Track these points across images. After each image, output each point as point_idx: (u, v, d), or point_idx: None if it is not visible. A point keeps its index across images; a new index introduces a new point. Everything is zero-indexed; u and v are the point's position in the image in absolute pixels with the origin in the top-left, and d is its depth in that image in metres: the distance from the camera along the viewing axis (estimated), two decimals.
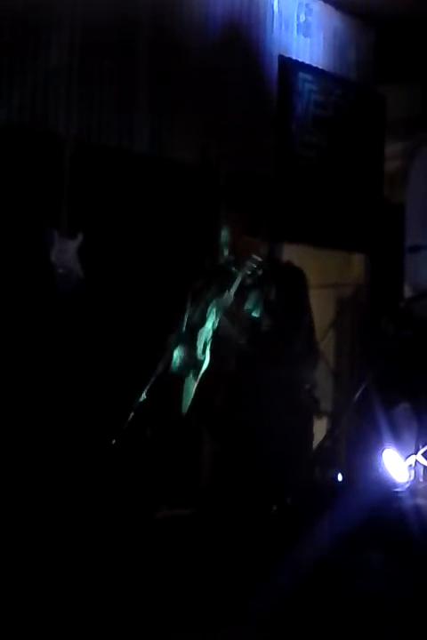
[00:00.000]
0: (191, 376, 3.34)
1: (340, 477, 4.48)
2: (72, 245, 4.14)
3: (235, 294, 3.26)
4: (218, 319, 3.23)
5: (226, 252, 3.36)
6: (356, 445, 4.89)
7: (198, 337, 3.38)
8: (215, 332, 3.23)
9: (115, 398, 3.73)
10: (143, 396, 3.31)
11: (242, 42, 4.88)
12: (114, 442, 3.20)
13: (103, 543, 3.50)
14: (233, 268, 3.31)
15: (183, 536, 3.45)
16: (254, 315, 3.28)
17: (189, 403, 3.29)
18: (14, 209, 3.99)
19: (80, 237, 4.16)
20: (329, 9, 5.31)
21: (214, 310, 3.30)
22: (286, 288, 3.29)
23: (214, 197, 4.58)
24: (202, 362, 3.28)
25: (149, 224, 4.43)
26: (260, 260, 3.26)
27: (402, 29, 5.19)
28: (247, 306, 3.31)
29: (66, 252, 4.10)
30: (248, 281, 3.31)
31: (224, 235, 3.38)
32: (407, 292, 5.45)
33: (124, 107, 4.39)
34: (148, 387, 3.32)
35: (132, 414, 3.29)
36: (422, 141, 5.59)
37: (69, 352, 4.09)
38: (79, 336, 4.13)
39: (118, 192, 4.30)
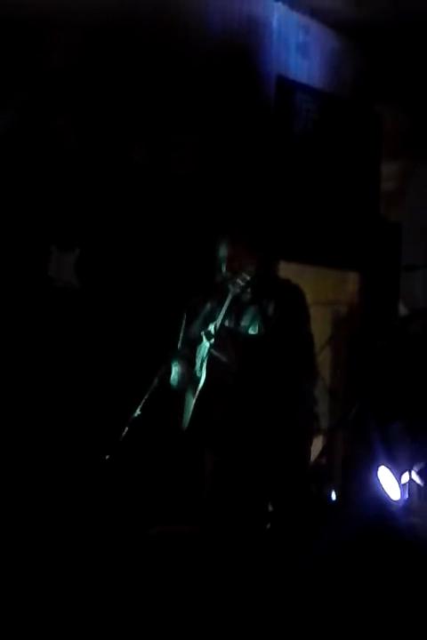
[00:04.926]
0: (190, 392, 3.35)
1: (333, 495, 4.47)
2: (69, 258, 4.15)
3: (231, 311, 3.26)
4: (211, 337, 3.24)
5: (224, 268, 3.37)
6: (351, 463, 4.88)
7: (197, 353, 3.39)
8: (210, 350, 3.23)
9: (111, 412, 3.73)
10: (138, 411, 3.33)
11: (240, 62, 4.91)
12: (107, 457, 3.21)
13: (96, 558, 3.50)
14: (229, 285, 3.32)
15: (177, 553, 3.44)
16: (251, 331, 3.29)
17: (188, 418, 3.30)
18: (12, 221, 4.00)
19: (77, 251, 4.17)
20: (327, 30, 5.35)
21: (208, 328, 3.31)
22: (283, 305, 3.30)
23: (213, 212, 4.60)
24: (199, 378, 3.29)
25: (147, 237, 4.44)
26: (251, 276, 3.26)
27: (398, 49, 5.23)
28: (244, 322, 3.31)
29: (63, 265, 4.11)
30: (245, 297, 3.31)
31: (222, 250, 3.39)
32: (403, 310, 5.46)
33: (124, 120, 4.41)
34: (143, 402, 3.33)
35: (126, 429, 3.30)
36: (419, 160, 5.63)
37: (65, 366, 4.09)
38: (75, 350, 4.13)
39: (116, 204, 4.31)
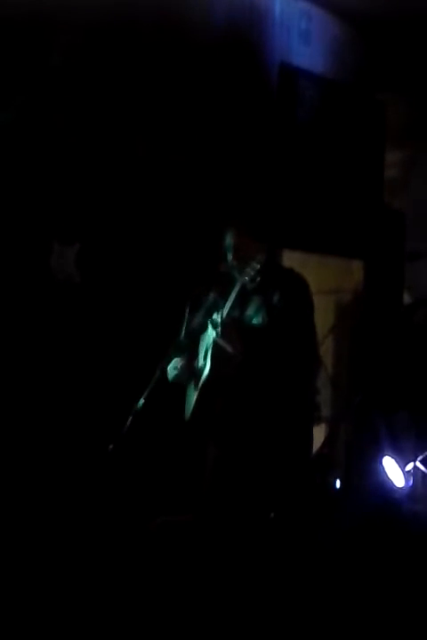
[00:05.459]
0: (192, 384, 3.35)
1: (338, 484, 4.48)
2: (71, 252, 4.16)
3: (236, 300, 3.26)
4: (217, 326, 3.23)
5: (229, 257, 3.36)
6: (355, 452, 4.89)
7: (199, 344, 3.39)
8: (215, 339, 3.23)
9: (113, 404, 3.74)
10: (141, 402, 3.33)
11: (243, 49, 4.89)
12: (111, 448, 3.22)
13: (99, 550, 3.51)
14: (235, 274, 3.31)
15: (180, 543, 3.45)
16: (255, 321, 3.29)
17: (190, 410, 3.30)
18: (14, 216, 4.01)
19: (78, 245, 4.18)
20: (329, 17, 5.32)
21: (214, 317, 3.31)
22: (288, 295, 3.29)
23: (215, 202, 4.59)
24: (203, 369, 3.29)
25: (149, 230, 4.44)
26: (259, 266, 3.25)
27: (400, 38, 5.21)
28: (248, 312, 3.31)
29: (64, 258, 4.12)
30: (249, 287, 3.30)
31: (228, 239, 3.39)
32: (407, 299, 5.45)
33: (125, 111, 4.41)
34: (146, 393, 3.34)
35: (130, 420, 3.30)
36: (423, 148, 5.60)
37: (68, 358, 4.10)
38: (78, 342, 4.14)
39: (118, 196, 4.31)
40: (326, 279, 5.17)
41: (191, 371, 3.36)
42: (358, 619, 3.17)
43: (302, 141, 5.10)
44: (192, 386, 3.34)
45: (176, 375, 3.39)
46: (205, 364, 3.26)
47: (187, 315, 3.44)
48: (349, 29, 5.41)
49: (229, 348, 3.17)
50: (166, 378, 3.40)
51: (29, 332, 3.98)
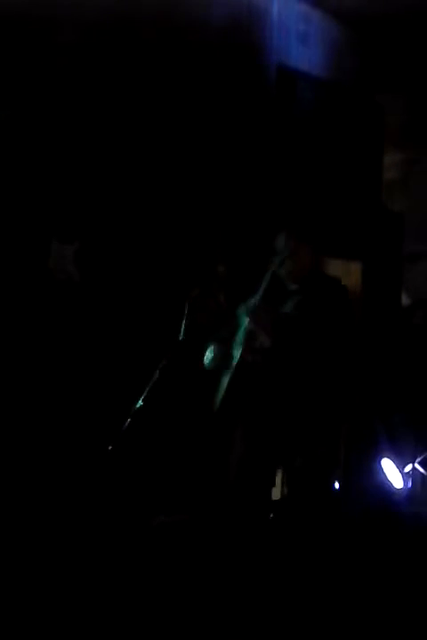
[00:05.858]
0: (224, 372, 3.41)
1: (337, 485, 4.48)
2: (70, 251, 4.16)
3: (271, 295, 3.35)
4: (248, 319, 3.32)
5: (279, 260, 3.43)
6: (353, 453, 4.88)
7: (236, 335, 3.45)
8: (246, 331, 3.30)
9: (112, 403, 3.75)
10: (140, 402, 3.34)
11: (241, 51, 4.90)
12: (110, 448, 3.23)
13: (99, 549, 3.51)
14: (282, 277, 3.38)
15: (179, 543, 3.46)
16: (288, 316, 3.36)
17: (221, 397, 3.36)
18: (13, 214, 4.01)
19: (77, 243, 4.18)
20: (328, 19, 5.33)
21: (246, 309, 3.39)
22: (330, 300, 3.38)
23: (212, 205, 4.60)
24: (234, 358, 3.33)
25: (148, 229, 4.44)
26: (305, 272, 3.34)
27: (399, 40, 5.21)
28: (287, 307, 3.39)
29: (64, 257, 4.13)
30: (293, 286, 3.40)
31: (280, 242, 3.47)
32: (405, 300, 5.46)
33: (124, 112, 4.41)
34: (145, 393, 3.35)
35: (128, 421, 3.31)
36: (421, 150, 5.61)
37: (67, 356, 4.10)
38: (77, 340, 4.14)
39: (117, 197, 4.32)
40: None
41: (224, 360, 3.43)
42: (357, 619, 3.17)
43: (301, 143, 5.11)
44: (225, 375, 3.40)
45: (210, 364, 3.46)
46: (236, 355, 3.33)
47: (186, 314, 3.47)
48: (347, 31, 5.41)
49: (259, 334, 3.26)
50: (165, 378, 3.41)
51: (29, 330, 3.98)
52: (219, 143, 4.77)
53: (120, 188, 4.33)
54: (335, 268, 5.39)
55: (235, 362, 3.35)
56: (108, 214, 4.28)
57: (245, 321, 3.36)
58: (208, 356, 3.48)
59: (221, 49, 4.78)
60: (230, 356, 3.42)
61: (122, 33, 4.33)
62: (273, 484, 3.51)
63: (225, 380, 3.40)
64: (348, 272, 5.53)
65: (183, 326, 3.50)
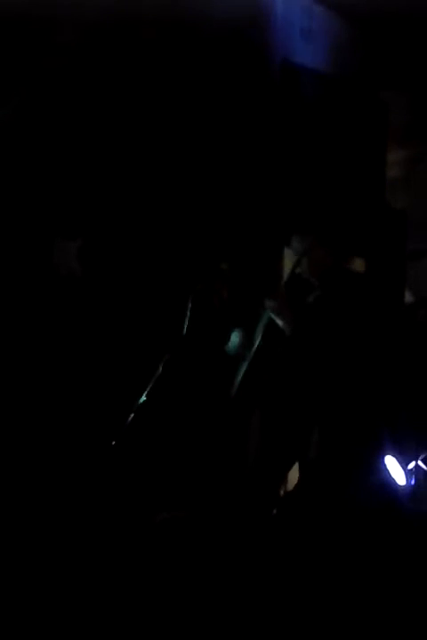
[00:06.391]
0: (242, 360, 3.43)
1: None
2: (73, 247, 4.16)
3: (294, 287, 3.38)
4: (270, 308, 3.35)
5: (296, 262, 3.47)
6: (356, 451, 4.87)
7: (259, 324, 3.47)
8: (268, 319, 3.32)
9: (115, 400, 3.74)
10: (143, 398, 3.35)
11: (245, 47, 4.89)
12: (114, 443, 3.23)
13: (103, 545, 3.50)
14: (305, 277, 3.43)
15: (182, 539, 3.45)
16: (310, 307, 3.39)
17: (239, 381, 3.39)
18: (17, 211, 4.01)
19: (80, 240, 4.18)
20: (332, 14, 5.32)
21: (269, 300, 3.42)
22: (349, 294, 3.42)
23: (215, 201, 4.60)
24: (254, 345, 3.36)
25: (151, 225, 4.44)
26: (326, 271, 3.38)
27: (403, 36, 5.21)
28: (308, 300, 3.42)
29: (67, 253, 4.13)
30: (314, 281, 3.42)
31: (296, 243, 3.50)
32: (408, 298, 5.45)
33: (127, 109, 4.41)
34: (148, 388, 3.35)
35: (131, 417, 3.31)
36: (425, 147, 5.60)
37: (70, 352, 4.10)
38: (80, 337, 4.15)
39: (120, 193, 4.32)
40: None
41: (246, 347, 3.47)
42: (360, 616, 3.17)
43: (304, 139, 5.10)
44: (244, 361, 3.44)
45: (234, 350, 3.51)
46: (256, 342, 3.37)
47: (189, 310, 3.48)
48: (351, 27, 5.41)
49: (280, 321, 3.32)
50: (168, 373, 3.42)
51: (32, 327, 3.99)
52: (222, 140, 4.76)
53: (123, 185, 4.33)
54: (360, 265, 5.40)
55: (254, 349, 3.40)
56: (111, 211, 4.28)
57: (268, 310, 3.40)
58: (233, 340, 3.54)
59: (224, 46, 4.77)
60: (251, 344, 3.47)
61: (123, 30, 4.33)
62: (284, 478, 3.53)
63: (243, 368, 3.45)
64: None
65: (186, 322, 3.50)
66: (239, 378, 3.49)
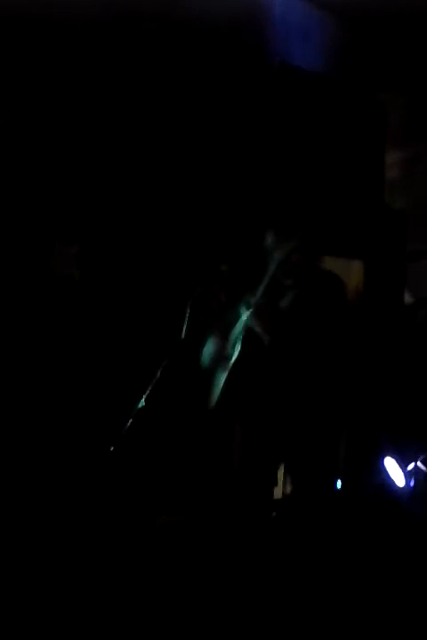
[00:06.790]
0: (221, 369, 3.41)
1: (339, 484, 4.48)
2: (72, 251, 4.17)
3: (270, 293, 3.33)
4: (248, 314, 3.31)
5: (272, 259, 3.43)
6: (356, 452, 4.88)
7: (234, 329, 3.44)
8: (246, 327, 3.30)
9: (114, 404, 3.74)
10: (142, 402, 3.34)
11: (242, 47, 4.89)
12: (112, 448, 3.23)
13: (102, 549, 3.51)
14: (275, 272, 3.38)
15: (181, 543, 3.46)
16: (287, 309, 3.35)
17: (218, 395, 3.35)
18: (15, 216, 4.02)
19: (79, 243, 4.19)
20: (330, 15, 5.32)
21: (246, 306, 3.38)
22: (323, 292, 3.37)
23: (215, 202, 4.60)
24: (232, 355, 3.33)
25: (150, 229, 4.44)
26: (297, 266, 3.33)
27: (401, 37, 5.20)
28: (282, 304, 3.38)
29: (66, 257, 4.13)
30: (287, 283, 3.39)
31: (270, 240, 3.46)
32: (408, 298, 5.45)
33: (125, 110, 4.41)
34: (147, 393, 3.34)
35: (130, 421, 3.31)
36: (424, 148, 5.60)
37: (68, 357, 4.10)
38: (78, 341, 4.15)
39: (118, 197, 4.32)
40: None
41: (222, 357, 3.42)
42: (359, 617, 3.17)
43: (302, 141, 5.10)
44: (221, 372, 3.40)
45: (207, 362, 3.46)
46: (233, 352, 3.32)
47: (188, 314, 3.46)
48: (349, 28, 5.40)
49: (259, 329, 3.26)
50: (167, 378, 3.41)
51: (30, 332, 3.99)
52: (220, 141, 4.76)
53: (121, 186, 4.33)
54: (336, 266, 5.38)
55: (233, 359, 3.35)
56: (109, 215, 4.28)
57: (244, 318, 3.36)
58: (206, 352, 3.47)
59: (222, 46, 4.77)
60: (228, 354, 3.43)
61: (121, 29, 4.32)
62: (275, 482, 3.52)
63: (222, 378, 3.40)
64: (349, 270, 5.52)
65: (185, 326, 3.50)
66: (218, 389, 3.41)
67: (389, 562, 3.61)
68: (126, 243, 4.34)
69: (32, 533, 3.52)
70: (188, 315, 3.45)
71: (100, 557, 3.38)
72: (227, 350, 3.43)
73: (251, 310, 3.30)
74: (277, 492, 3.70)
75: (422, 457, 4.50)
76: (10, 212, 4.00)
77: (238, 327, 3.41)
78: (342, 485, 4.48)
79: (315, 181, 5.14)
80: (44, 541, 3.47)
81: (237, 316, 3.45)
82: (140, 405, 3.27)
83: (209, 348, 3.46)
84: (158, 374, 3.32)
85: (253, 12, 4.95)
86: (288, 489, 3.68)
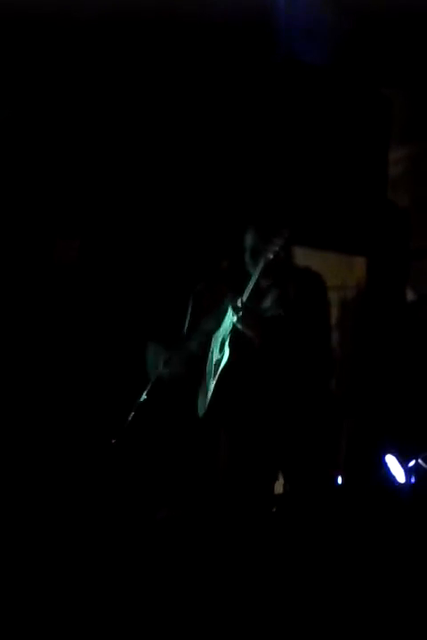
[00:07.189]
0: (209, 375, 3.39)
1: (340, 480, 4.49)
2: (74, 245, 4.17)
3: (251, 294, 3.30)
4: (239, 311, 3.29)
5: (248, 255, 3.41)
6: (357, 448, 4.89)
7: (215, 337, 3.43)
8: (231, 331, 3.28)
9: (115, 399, 3.75)
10: (144, 396, 3.35)
11: (247, 43, 4.88)
12: (114, 442, 3.24)
13: (103, 543, 3.52)
14: (252, 271, 3.36)
15: (182, 536, 3.47)
16: (270, 313, 3.33)
17: (207, 401, 3.34)
18: (17, 210, 4.02)
19: (81, 238, 4.19)
20: (335, 12, 5.30)
21: (229, 309, 3.36)
22: (304, 291, 3.35)
23: (216, 200, 4.60)
24: (220, 360, 3.32)
25: (152, 225, 4.44)
26: (274, 263, 3.31)
27: (406, 33, 5.18)
28: (264, 305, 3.36)
29: (68, 252, 4.14)
30: (265, 283, 3.36)
31: (249, 237, 3.43)
32: (410, 295, 5.44)
33: (127, 107, 4.41)
34: (148, 387, 3.35)
35: (132, 414, 3.32)
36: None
37: (70, 352, 4.11)
38: (80, 335, 4.15)
39: (120, 193, 4.32)
40: (329, 275, 5.16)
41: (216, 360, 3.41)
42: (359, 614, 3.18)
43: (306, 137, 5.09)
44: (210, 376, 3.38)
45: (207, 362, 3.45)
46: (221, 356, 3.31)
47: (189, 310, 3.47)
48: (354, 24, 5.38)
49: (247, 333, 3.23)
50: (168, 373, 3.41)
51: (32, 325, 4.00)
52: (223, 137, 4.76)
53: (123, 183, 4.33)
54: (339, 262, 5.38)
55: (222, 365, 3.31)
56: (111, 209, 4.29)
57: (230, 323, 3.32)
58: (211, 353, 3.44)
59: (226, 41, 4.76)
60: (212, 359, 3.39)
61: (123, 26, 4.32)
62: (275, 479, 3.52)
63: (210, 384, 3.37)
64: (352, 266, 5.52)
65: (187, 321, 3.50)
66: (207, 397, 3.36)
67: (389, 558, 3.61)
68: (128, 236, 4.35)
69: (34, 526, 3.53)
70: (190, 310, 3.46)
71: (102, 550, 3.39)
72: (212, 357, 3.41)
73: (238, 315, 3.25)
74: (277, 489, 3.70)
75: (423, 454, 4.51)
76: (13, 207, 4.01)
77: (224, 332, 3.37)
78: (342, 482, 4.49)
79: (318, 177, 5.13)
80: (46, 534, 3.48)
81: (224, 321, 3.42)
82: (141, 399, 3.29)
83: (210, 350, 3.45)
84: (160, 369, 3.33)
85: (257, 7, 4.94)
86: (288, 485, 3.68)
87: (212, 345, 3.43)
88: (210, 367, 3.40)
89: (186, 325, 3.45)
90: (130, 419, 3.32)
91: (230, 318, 3.31)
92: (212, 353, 3.42)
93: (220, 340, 3.39)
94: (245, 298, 3.27)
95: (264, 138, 4.92)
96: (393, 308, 5.24)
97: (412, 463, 4.49)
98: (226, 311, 3.39)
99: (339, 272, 5.41)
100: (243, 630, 3.01)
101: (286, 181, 4.98)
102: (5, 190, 3.96)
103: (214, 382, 3.31)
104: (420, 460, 4.50)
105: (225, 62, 4.76)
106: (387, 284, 5.41)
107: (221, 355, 3.34)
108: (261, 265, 3.28)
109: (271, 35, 5.00)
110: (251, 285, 3.28)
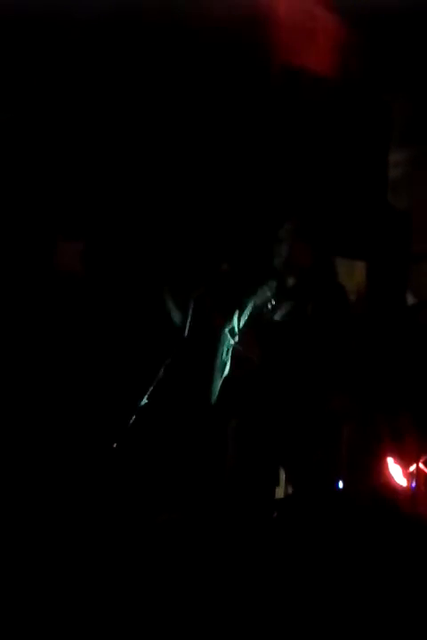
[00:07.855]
0: (218, 373, 3.41)
1: (340, 485, 4.47)
2: (76, 248, 4.17)
3: (265, 303, 3.30)
4: (234, 335, 3.28)
5: (279, 260, 3.41)
6: (357, 453, 4.88)
7: (220, 344, 3.44)
8: (232, 345, 3.27)
9: (117, 401, 3.75)
10: (145, 400, 3.35)
11: (246, 48, 4.89)
12: (115, 445, 3.23)
13: (104, 546, 3.51)
14: (284, 280, 3.35)
15: (185, 538, 3.46)
16: (284, 320, 3.33)
17: (215, 396, 3.35)
18: (19, 212, 4.02)
19: (83, 240, 4.19)
20: (334, 16, 5.31)
21: (237, 316, 3.36)
22: (326, 304, 3.34)
23: (217, 203, 4.60)
24: (225, 363, 3.32)
25: (154, 229, 4.44)
26: (305, 274, 3.31)
27: (405, 36, 5.20)
28: (280, 313, 3.36)
29: (70, 254, 4.14)
30: (290, 281, 3.36)
31: (280, 247, 3.43)
32: (410, 299, 5.44)
33: (128, 110, 4.41)
34: (150, 391, 3.35)
35: (133, 418, 3.31)
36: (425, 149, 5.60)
37: (72, 354, 4.10)
38: (82, 338, 4.15)
39: (122, 195, 4.33)
40: None
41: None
42: (360, 618, 3.17)
43: (306, 141, 5.10)
44: (218, 375, 3.39)
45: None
46: (226, 360, 3.31)
47: (190, 314, 3.47)
48: (353, 29, 5.40)
49: (245, 353, 3.23)
50: (170, 375, 3.41)
51: (34, 328, 3.99)
52: (223, 140, 4.76)
53: (125, 186, 4.33)
54: (340, 266, 5.37)
55: (225, 371, 3.32)
56: (113, 213, 4.28)
57: (231, 341, 3.31)
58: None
59: (226, 46, 4.76)
60: (220, 359, 3.41)
61: (124, 29, 4.33)
62: (277, 484, 3.52)
63: (218, 382, 3.38)
64: (352, 270, 5.52)
65: (188, 324, 3.50)
66: (216, 394, 3.39)
67: (389, 563, 3.61)
68: (131, 240, 4.34)
69: (36, 529, 3.52)
70: (191, 313, 3.45)
71: (103, 552, 3.38)
72: (218, 361, 3.44)
73: (235, 337, 3.25)
74: (279, 493, 3.70)
75: (424, 458, 4.50)
76: (15, 209, 4.00)
77: (225, 348, 3.38)
78: (343, 486, 4.48)
79: (319, 181, 5.14)
80: (46, 536, 3.47)
81: (225, 337, 3.43)
82: (143, 403, 3.28)
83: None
84: (162, 372, 3.33)
85: (258, 13, 4.95)
86: (290, 489, 3.68)
87: (223, 340, 3.44)
88: (221, 361, 3.42)
89: (186, 327, 3.45)
90: (131, 422, 3.32)
91: (228, 341, 3.31)
92: (222, 348, 3.44)
93: (224, 348, 3.40)
94: (242, 322, 3.27)
95: (265, 142, 4.93)
96: (393, 313, 5.24)
97: (413, 467, 4.49)
98: (261, 289, 3.38)
99: (339, 276, 5.40)
100: (244, 632, 3.00)
101: (287, 184, 4.99)
102: (7, 193, 3.96)
103: (221, 379, 3.35)
104: (421, 464, 4.49)
105: (227, 67, 4.76)
106: (387, 288, 5.41)
107: (226, 359, 3.34)
108: (279, 260, 3.29)
109: (272, 40, 5.02)
110: (247, 312, 3.29)
